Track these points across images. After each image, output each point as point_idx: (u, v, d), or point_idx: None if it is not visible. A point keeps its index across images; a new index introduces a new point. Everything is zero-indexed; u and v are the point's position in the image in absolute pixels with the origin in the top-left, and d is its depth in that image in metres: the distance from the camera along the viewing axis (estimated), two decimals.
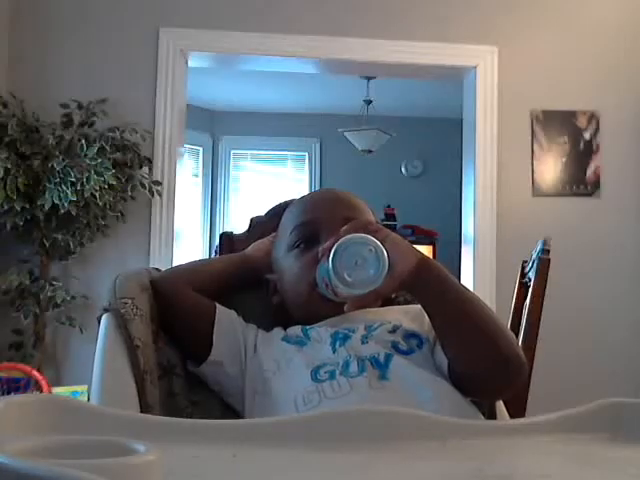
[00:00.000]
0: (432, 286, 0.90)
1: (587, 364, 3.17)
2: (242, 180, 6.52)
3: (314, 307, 1.00)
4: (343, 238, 0.83)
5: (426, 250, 5.74)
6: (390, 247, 0.87)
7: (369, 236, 0.83)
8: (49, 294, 2.80)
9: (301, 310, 1.03)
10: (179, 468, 0.55)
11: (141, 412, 0.88)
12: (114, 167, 2.74)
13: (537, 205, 3.24)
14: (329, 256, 0.83)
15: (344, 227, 0.89)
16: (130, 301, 0.95)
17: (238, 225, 5.62)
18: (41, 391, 2.48)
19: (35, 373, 2.58)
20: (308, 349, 0.96)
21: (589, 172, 3.27)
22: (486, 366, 0.89)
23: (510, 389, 0.96)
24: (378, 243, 0.82)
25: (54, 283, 2.84)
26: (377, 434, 0.64)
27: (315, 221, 1.05)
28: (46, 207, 2.69)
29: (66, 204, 2.67)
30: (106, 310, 0.96)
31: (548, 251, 1.79)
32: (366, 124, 5.27)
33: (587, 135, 3.27)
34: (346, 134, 5.42)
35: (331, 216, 1.04)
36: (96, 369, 0.91)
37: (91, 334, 0.97)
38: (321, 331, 0.98)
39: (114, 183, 2.73)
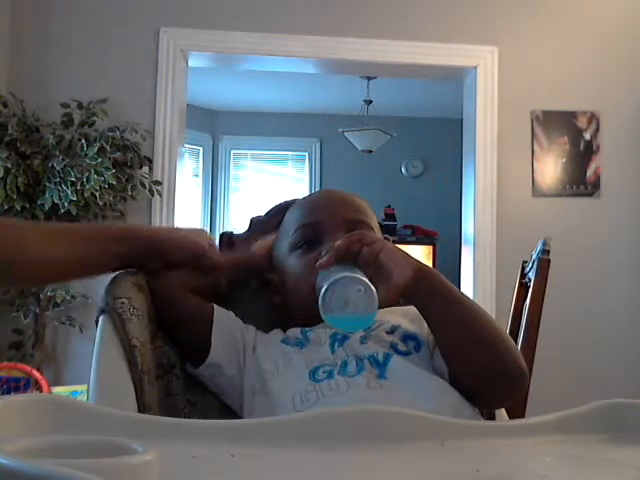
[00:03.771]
0: (430, 295, 0.90)
1: (587, 364, 3.17)
2: (242, 180, 6.52)
3: (315, 308, 1.00)
4: (332, 279, 0.83)
5: (426, 250, 5.74)
6: (386, 258, 0.87)
7: (358, 275, 0.83)
8: (49, 294, 2.80)
9: (302, 310, 1.03)
10: (178, 468, 0.55)
11: (139, 412, 0.88)
12: (114, 167, 2.74)
13: (537, 205, 3.24)
14: (319, 295, 0.83)
15: (338, 242, 0.88)
16: (127, 301, 0.95)
17: (238, 225, 5.63)
18: (41, 391, 2.48)
19: (35, 373, 2.58)
20: (307, 350, 0.96)
21: (589, 172, 3.27)
22: (486, 375, 0.89)
23: (510, 399, 0.96)
24: (368, 283, 0.82)
25: None
26: (375, 434, 0.64)
27: (317, 223, 1.05)
28: (46, 207, 2.69)
29: (66, 204, 2.67)
30: (103, 310, 0.95)
31: (548, 251, 1.79)
32: (366, 124, 5.27)
33: (587, 135, 3.27)
34: (346, 134, 5.42)
35: (333, 218, 1.04)
36: (94, 369, 0.91)
37: (91, 334, 0.97)
38: (320, 332, 0.98)
39: (114, 183, 2.73)
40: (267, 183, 6.46)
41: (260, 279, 1.15)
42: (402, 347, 0.95)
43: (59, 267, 0.95)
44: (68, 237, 0.95)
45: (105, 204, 2.78)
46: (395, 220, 5.78)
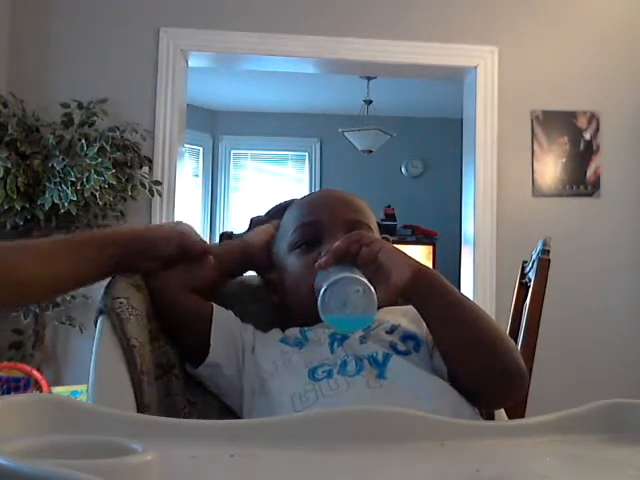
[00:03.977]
0: (430, 296, 0.90)
1: (587, 364, 3.17)
2: (242, 180, 6.52)
3: (314, 308, 1.00)
4: (331, 279, 0.83)
5: (426, 250, 5.74)
6: (385, 258, 0.87)
7: (357, 276, 0.83)
8: None
9: (301, 310, 1.03)
10: (177, 468, 0.55)
11: (138, 412, 0.88)
12: (114, 167, 2.74)
13: (537, 205, 3.24)
14: (318, 295, 0.83)
15: (337, 243, 0.89)
16: (125, 301, 0.95)
17: (238, 225, 5.62)
18: (41, 391, 2.48)
19: (35, 373, 2.58)
20: (306, 350, 0.96)
21: (589, 172, 3.27)
22: (486, 375, 0.89)
23: (510, 399, 0.96)
24: (367, 283, 0.82)
25: None
26: (375, 434, 0.64)
27: (317, 222, 1.05)
28: (46, 207, 2.69)
29: (66, 204, 2.67)
30: (101, 311, 0.95)
31: (548, 251, 1.79)
32: (366, 124, 5.27)
33: (587, 135, 3.27)
34: (346, 134, 5.42)
35: (333, 218, 1.04)
36: (93, 370, 0.91)
37: (91, 334, 0.97)
38: (319, 332, 0.98)
39: (114, 183, 2.73)
40: (267, 183, 6.47)
41: (260, 274, 1.15)
42: (401, 347, 0.95)
43: (59, 283, 0.97)
44: (64, 250, 0.96)
45: (105, 204, 2.78)
46: (395, 220, 5.78)
